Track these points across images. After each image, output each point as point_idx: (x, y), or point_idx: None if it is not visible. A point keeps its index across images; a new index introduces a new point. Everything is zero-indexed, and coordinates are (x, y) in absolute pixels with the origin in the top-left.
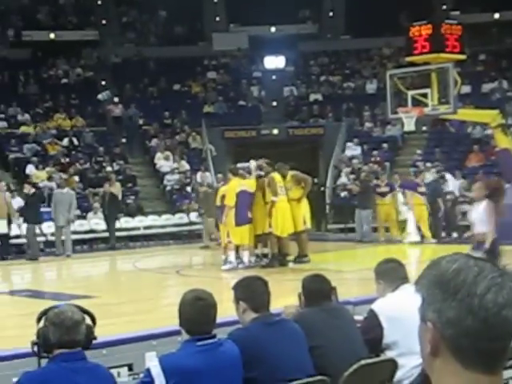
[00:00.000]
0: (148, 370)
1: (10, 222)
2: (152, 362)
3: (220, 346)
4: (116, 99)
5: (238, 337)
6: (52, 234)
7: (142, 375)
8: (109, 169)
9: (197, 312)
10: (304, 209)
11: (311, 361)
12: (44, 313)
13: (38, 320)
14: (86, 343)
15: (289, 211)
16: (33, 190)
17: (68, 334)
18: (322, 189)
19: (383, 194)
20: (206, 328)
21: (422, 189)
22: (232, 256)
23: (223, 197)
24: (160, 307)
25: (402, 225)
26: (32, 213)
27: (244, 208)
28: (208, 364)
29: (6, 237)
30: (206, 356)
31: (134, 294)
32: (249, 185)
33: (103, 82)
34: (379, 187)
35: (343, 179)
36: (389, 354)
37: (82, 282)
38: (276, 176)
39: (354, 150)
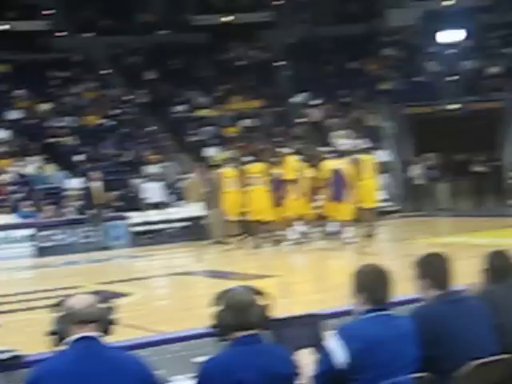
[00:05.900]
0: (327, 347)
1: None
2: (330, 340)
3: (395, 319)
4: (317, 101)
5: (421, 314)
6: None
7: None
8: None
9: (377, 281)
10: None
11: (496, 339)
12: (220, 295)
13: (215, 302)
14: (263, 324)
15: None
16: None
17: (244, 316)
18: (499, 163)
19: None
20: (383, 298)
21: None
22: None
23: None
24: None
25: None
26: None
27: None
28: (386, 334)
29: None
30: (383, 326)
31: (317, 273)
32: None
33: (279, 63)
34: None
35: None
36: None
37: (264, 261)
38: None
39: None
